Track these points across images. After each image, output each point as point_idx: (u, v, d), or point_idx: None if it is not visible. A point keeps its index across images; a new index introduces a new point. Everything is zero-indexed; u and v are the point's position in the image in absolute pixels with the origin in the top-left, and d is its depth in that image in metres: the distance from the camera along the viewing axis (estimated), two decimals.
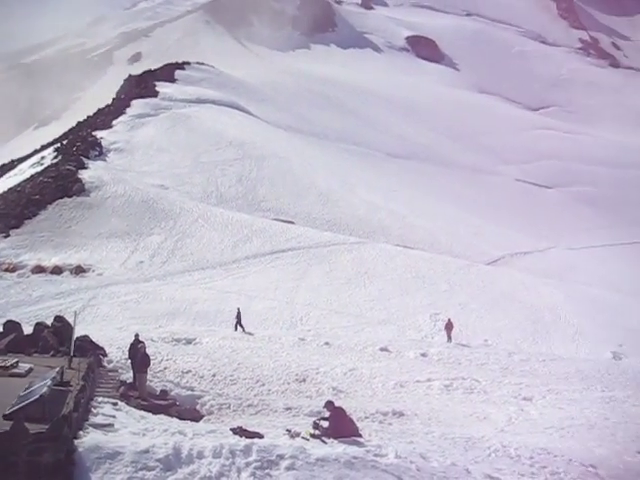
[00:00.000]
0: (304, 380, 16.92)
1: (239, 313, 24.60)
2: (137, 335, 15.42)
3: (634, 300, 38.65)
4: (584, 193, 79.76)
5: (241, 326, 24.48)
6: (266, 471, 9.17)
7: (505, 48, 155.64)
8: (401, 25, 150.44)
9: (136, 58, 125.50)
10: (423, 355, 21.85)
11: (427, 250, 42.76)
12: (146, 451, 8.91)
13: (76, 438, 8.93)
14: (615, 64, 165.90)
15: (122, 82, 77.24)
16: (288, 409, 14.16)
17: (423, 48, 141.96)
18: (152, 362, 15.25)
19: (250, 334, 23.43)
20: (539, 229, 61.81)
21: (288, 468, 9.32)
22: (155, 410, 12.48)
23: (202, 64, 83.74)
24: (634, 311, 35.44)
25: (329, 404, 11.84)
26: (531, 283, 37.00)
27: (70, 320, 15.19)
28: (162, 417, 11.79)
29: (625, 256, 59.69)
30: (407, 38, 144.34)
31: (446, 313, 29.14)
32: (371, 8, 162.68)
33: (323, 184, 52.61)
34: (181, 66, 79.68)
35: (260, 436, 10.74)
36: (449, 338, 25.90)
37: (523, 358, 22.65)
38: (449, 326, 26.25)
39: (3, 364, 11.52)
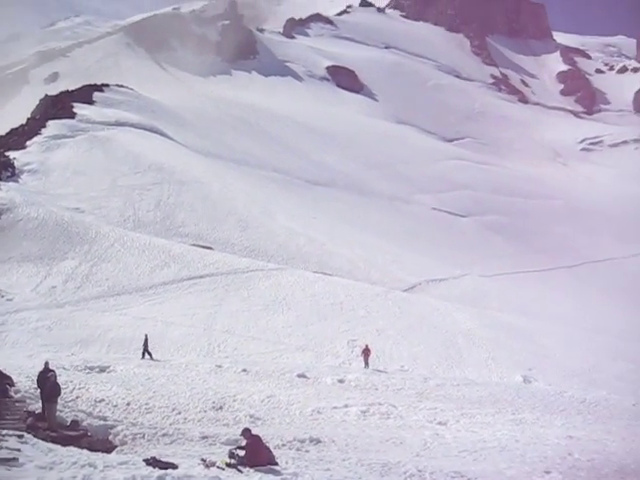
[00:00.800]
0: (221, 408, 16.76)
1: (146, 340, 24.10)
2: (47, 363, 14.94)
3: (542, 326, 40.12)
4: (495, 222, 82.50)
5: (149, 353, 23.93)
6: None
7: (422, 81, 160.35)
8: (322, 55, 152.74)
9: (53, 78, 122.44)
10: (340, 381, 22.00)
11: (345, 277, 43.20)
12: None
13: None
14: (524, 100, 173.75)
15: (38, 102, 75.20)
16: (204, 438, 13.99)
17: (343, 78, 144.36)
18: (63, 391, 14.79)
19: (158, 361, 22.94)
20: (454, 257, 63.40)
21: None
22: (65, 442, 12.07)
23: (122, 87, 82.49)
24: (542, 336, 36.78)
25: (246, 432, 11.80)
26: (446, 309, 37.88)
27: None
28: (72, 449, 11.38)
29: (532, 283, 62.07)
30: (327, 68, 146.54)
31: (363, 339, 29.47)
32: (292, 37, 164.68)
33: (243, 210, 52.53)
34: (100, 88, 78.24)
35: (174, 466, 10.56)
36: (366, 364, 26.17)
37: (438, 383, 23.11)
38: (366, 352, 26.54)
39: None
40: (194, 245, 41.70)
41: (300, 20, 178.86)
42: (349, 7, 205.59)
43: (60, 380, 14.47)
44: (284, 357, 27.23)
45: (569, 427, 17.79)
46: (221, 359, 25.05)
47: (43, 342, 25.21)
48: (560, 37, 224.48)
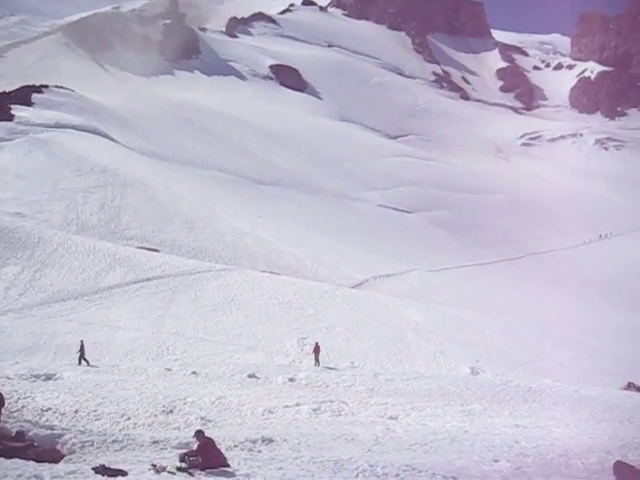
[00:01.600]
0: (171, 411, 16.62)
1: (82, 346, 23.71)
2: None
3: (488, 318, 40.98)
4: (441, 217, 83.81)
5: (85, 359, 23.55)
6: None
7: (365, 79, 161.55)
8: (265, 54, 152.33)
9: None
10: (291, 380, 22.05)
11: (293, 276, 43.30)
12: None
13: None
14: (465, 96, 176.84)
15: None
16: (155, 442, 13.85)
17: (287, 77, 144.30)
18: (7, 401, 14.42)
19: (94, 367, 22.55)
20: (401, 252, 64.16)
21: None
22: (9, 454, 11.73)
23: (61, 87, 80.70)
24: (488, 328, 37.59)
25: (199, 434, 11.76)
26: (394, 305, 38.34)
27: None
28: (17, 461, 11.09)
29: (478, 276, 63.34)
30: (271, 67, 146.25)
31: (313, 337, 29.61)
32: (235, 36, 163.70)
33: (189, 211, 52.11)
34: (39, 89, 76.40)
35: (124, 473, 10.44)
36: (317, 362, 26.30)
37: (388, 378, 23.36)
38: (316, 350, 26.67)
39: None
40: (140, 248, 41.19)
41: (243, 19, 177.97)
42: (292, 6, 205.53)
43: (4, 390, 14.14)
44: (234, 358, 27.15)
45: (516, 416, 18.25)
46: (170, 362, 24.82)
47: None
48: (498, 35, 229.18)
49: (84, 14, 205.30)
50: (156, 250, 41.62)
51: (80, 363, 23.30)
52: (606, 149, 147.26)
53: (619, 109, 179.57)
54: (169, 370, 22.31)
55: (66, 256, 35.30)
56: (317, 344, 26.98)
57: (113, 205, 48.71)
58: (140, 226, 46.71)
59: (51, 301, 30.54)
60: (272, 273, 41.47)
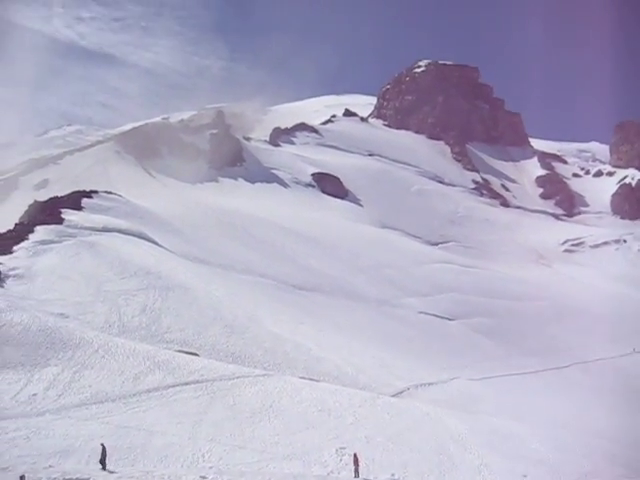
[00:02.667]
0: None
1: (104, 450, 23.31)
2: (23, 477, 14.40)
3: (534, 429, 39.36)
4: (483, 324, 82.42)
5: (103, 464, 23.11)
6: None
7: (405, 186, 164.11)
8: (307, 162, 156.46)
9: (43, 184, 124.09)
10: None
11: (333, 382, 42.55)
12: None
13: None
14: (505, 204, 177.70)
15: (27, 208, 75.93)
16: None
17: (328, 184, 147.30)
18: None
19: (111, 472, 22.04)
20: (442, 360, 62.88)
21: None
22: None
23: (110, 193, 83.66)
24: (535, 440, 36.02)
25: None
26: (436, 414, 37.17)
27: None
28: None
29: (522, 385, 61.35)
30: (313, 175, 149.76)
31: (352, 447, 28.70)
32: (278, 145, 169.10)
33: (229, 315, 52.25)
34: (89, 194, 79.29)
35: None
36: (356, 474, 25.39)
37: None
38: (356, 461, 25.80)
39: None
40: (179, 351, 41.16)
41: (286, 129, 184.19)
42: (333, 117, 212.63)
43: None
44: (270, 467, 26.39)
45: None
46: (205, 470, 24.24)
47: (20, 453, 24.31)
48: (537, 143, 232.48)
49: (136, 124, 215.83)
50: (195, 354, 41.53)
51: (105, 468, 22.91)
52: None
53: None
54: (204, 478, 21.74)
55: (106, 358, 35.39)
56: (356, 455, 26.11)
57: (154, 308, 49.16)
58: (180, 329, 46.88)
59: (89, 403, 30.39)
60: (311, 380, 40.84)
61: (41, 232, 58.97)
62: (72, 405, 29.95)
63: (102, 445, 23.82)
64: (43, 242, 56.39)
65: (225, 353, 44.75)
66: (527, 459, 32.27)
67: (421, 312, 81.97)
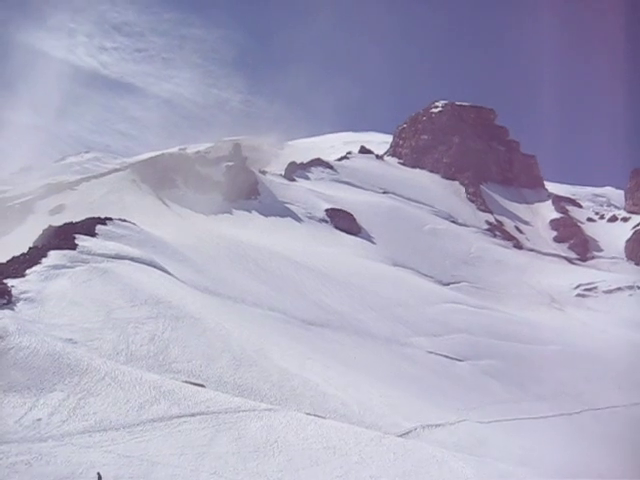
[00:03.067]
0: None
1: (100, 478, 23.05)
2: None
3: (542, 476, 38.66)
4: (493, 367, 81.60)
5: None
6: None
7: (418, 225, 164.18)
8: (321, 198, 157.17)
9: (58, 210, 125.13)
10: None
11: (339, 420, 42.06)
12: None
13: None
14: (519, 245, 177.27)
15: (41, 232, 76.45)
16: None
17: (341, 220, 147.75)
18: None
19: None
20: (450, 401, 62.18)
21: None
22: None
23: (124, 221, 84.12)
24: None
25: None
26: (442, 457, 36.53)
27: None
28: None
29: (531, 431, 60.43)
30: (326, 210, 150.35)
31: None
32: (293, 180, 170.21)
33: (237, 348, 51.97)
34: (103, 221, 79.68)
35: None
36: None
37: None
38: None
39: None
40: (186, 382, 40.87)
41: (301, 164, 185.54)
42: (349, 153, 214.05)
43: None
44: None
45: None
46: None
47: (20, 479, 24.10)
48: (552, 187, 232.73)
49: (153, 153, 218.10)
50: (202, 385, 41.23)
51: None
52: None
53: None
54: None
55: (112, 385, 35.17)
56: None
57: (163, 337, 49.00)
58: (188, 360, 46.62)
59: (92, 430, 30.13)
60: (317, 416, 40.38)
61: (54, 257, 59.16)
62: (76, 432, 29.71)
63: (98, 474, 23.55)
64: (56, 267, 56.56)
65: (232, 386, 44.41)
66: None
67: (430, 352, 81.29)
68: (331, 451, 33.52)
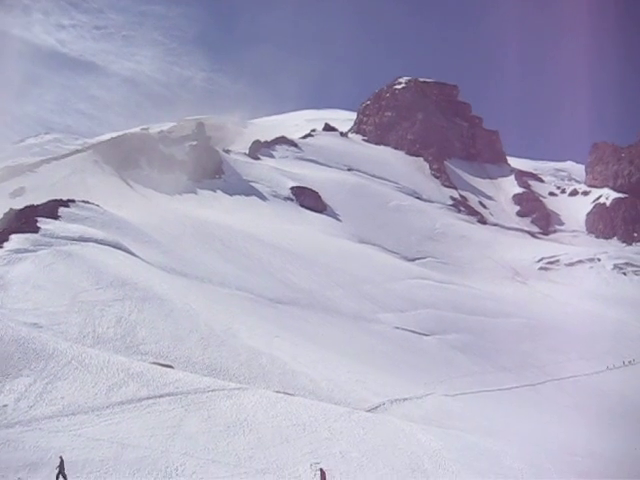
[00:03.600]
0: None
1: (62, 462, 22.98)
2: None
3: (508, 446, 39.50)
4: (459, 340, 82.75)
5: (64, 476, 22.83)
6: None
7: (383, 202, 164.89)
8: (286, 176, 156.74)
9: (19, 192, 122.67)
10: None
11: (308, 397, 42.42)
12: None
13: None
14: (483, 221, 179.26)
15: (1, 216, 75.05)
16: None
17: (307, 198, 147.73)
18: None
19: None
20: (417, 376, 63.02)
21: None
22: None
23: (87, 202, 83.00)
24: (508, 457, 36.14)
25: None
26: (410, 430, 37.16)
27: None
28: None
29: (497, 402, 61.67)
30: (292, 188, 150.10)
31: (326, 462, 28.60)
32: (257, 158, 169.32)
33: (205, 328, 51.94)
34: (65, 203, 78.56)
35: None
36: None
37: None
38: (323, 476, 25.67)
39: None
40: (154, 363, 40.78)
41: (265, 142, 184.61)
42: (313, 131, 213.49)
43: None
44: None
45: None
46: None
47: None
48: (514, 162, 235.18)
49: (115, 134, 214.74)
50: (170, 366, 41.19)
51: None
52: (625, 274, 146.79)
53: (635, 235, 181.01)
54: None
55: (79, 369, 34.94)
56: (322, 470, 25.98)
57: (130, 319, 48.73)
58: (156, 341, 46.49)
59: (60, 415, 29.96)
60: (286, 394, 40.67)
61: (16, 240, 58.31)
62: (43, 417, 29.51)
63: (60, 458, 23.45)
64: (18, 251, 55.75)
65: (200, 366, 44.45)
66: (501, 476, 32.39)
67: (397, 327, 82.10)
68: (301, 428, 33.86)
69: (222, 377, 42.50)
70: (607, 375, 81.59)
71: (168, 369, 39.69)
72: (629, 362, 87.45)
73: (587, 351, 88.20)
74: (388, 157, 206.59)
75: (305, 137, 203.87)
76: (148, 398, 33.39)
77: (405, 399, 50.76)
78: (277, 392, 40.54)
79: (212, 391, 36.14)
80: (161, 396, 33.89)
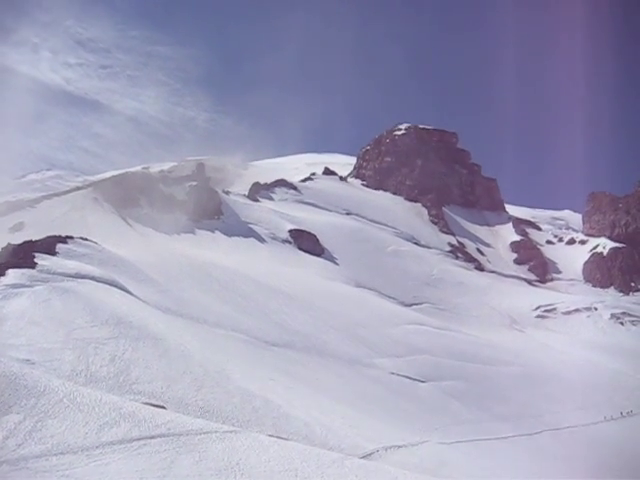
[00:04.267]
0: None
1: None
2: None
3: None
4: (455, 388, 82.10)
5: None
6: None
7: (381, 247, 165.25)
8: (285, 219, 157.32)
9: (18, 227, 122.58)
10: None
11: (301, 442, 41.77)
12: None
13: None
14: (480, 267, 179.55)
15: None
16: None
17: (305, 241, 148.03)
18: None
19: None
20: (412, 422, 62.31)
21: None
22: None
23: (85, 239, 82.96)
24: None
25: None
26: (404, 479, 36.52)
27: None
28: None
29: (493, 451, 60.85)
30: (290, 231, 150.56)
31: None
32: (257, 200, 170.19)
33: (199, 369, 51.43)
34: (64, 239, 78.52)
35: None
36: None
37: None
38: None
39: None
40: (147, 403, 40.18)
41: (265, 185, 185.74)
42: (313, 174, 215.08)
43: None
44: None
45: None
46: None
47: None
48: (512, 209, 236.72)
49: (116, 172, 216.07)
50: (163, 407, 40.59)
51: None
52: (622, 324, 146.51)
53: (633, 284, 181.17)
54: None
55: (70, 407, 34.39)
56: None
57: (124, 358, 48.25)
58: (149, 381, 45.95)
59: (49, 454, 29.38)
60: (280, 438, 40.02)
61: (13, 275, 58.04)
62: (32, 456, 28.93)
63: None
64: (14, 286, 55.46)
65: (193, 407, 43.87)
66: None
67: (393, 373, 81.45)
68: (293, 473, 33.19)
69: (215, 419, 41.90)
70: (604, 426, 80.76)
71: (160, 410, 39.12)
72: (627, 413, 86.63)
73: (584, 401, 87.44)
74: (387, 202, 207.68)
75: (305, 180, 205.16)
76: (139, 439, 32.82)
77: (399, 446, 50.06)
78: (270, 436, 39.90)
79: (204, 433, 35.55)
80: (152, 437, 33.31)
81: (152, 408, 39.59)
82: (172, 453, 33.07)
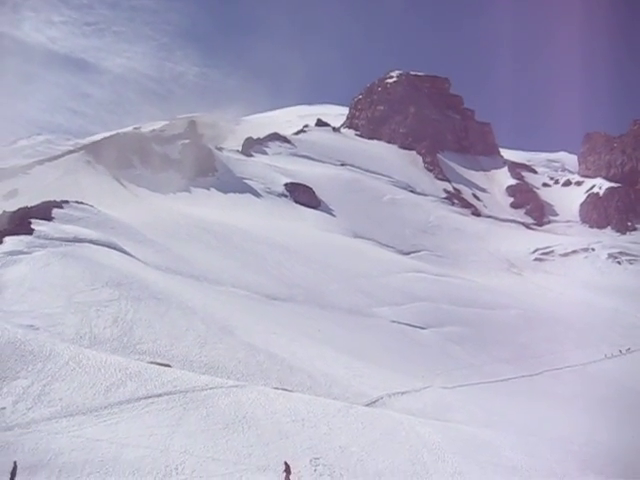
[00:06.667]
0: None
1: (15, 468, 22.71)
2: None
3: (507, 437, 39.69)
4: (455, 333, 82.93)
5: None
6: None
7: (377, 196, 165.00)
8: (280, 172, 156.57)
9: (12, 194, 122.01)
10: None
11: (306, 393, 42.47)
12: None
13: None
14: (476, 213, 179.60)
15: None
16: None
17: (301, 194, 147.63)
18: None
19: None
20: (415, 369, 63.14)
21: None
22: None
23: (81, 203, 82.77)
24: (508, 448, 36.30)
25: None
26: (409, 423, 37.26)
27: None
28: None
29: (495, 393, 61.86)
30: (285, 185, 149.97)
31: (326, 457, 28.64)
32: (251, 155, 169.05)
33: (201, 326, 51.91)
34: (59, 204, 78.32)
35: None
36: None
37: None
38: (287, 469, 25.67)
39: None
40: (152, 362, 40.72)
41: (258, 139, 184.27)
42: (306, 127, 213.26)
43: None
44: (244, 478, 26.24)
45: None
46: None
47: None
48: (507, 153, 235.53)
49: (107, 133, 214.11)
50: (168, 365, 41.14)
51: None
52: (619, 263, 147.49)
53: (629, 224, 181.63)
54: None
55: (77, 370, 34.86)
56: (287, 463, 25.99)
57: (126, 319, 48.64)
58: (153, 340, 46.43)
59: (59, 416, 29.90)
60: (285, 390, 40.71)
61: (10, 243, 58.07)
62: (42, 419, 29.45)
63: (14, 463, 23.08)
64: (12, 253, 55.53)
65: (198, 364, 44.42)
66: (500, 467, 32.54)
67: (393, 321, 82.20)
68: (300, 424, 33.88)
69: (220, 375, 42.48)
70: (603, 364, 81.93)
71: (166, 368, 39.66)
72: (625, 350, 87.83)
73: (583, 340, 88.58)
74: (381, 151, 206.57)
75: (298, 133, 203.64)
76: (146, 397, 33.36)
77: (403, 392, 50.86)
78: (275, 388, 40.58)
79: (210, 389, 36.14)
80: (159, 395, 33.86)
81: (157, 367, 40.13)
82: (180, 410, 33.67)
